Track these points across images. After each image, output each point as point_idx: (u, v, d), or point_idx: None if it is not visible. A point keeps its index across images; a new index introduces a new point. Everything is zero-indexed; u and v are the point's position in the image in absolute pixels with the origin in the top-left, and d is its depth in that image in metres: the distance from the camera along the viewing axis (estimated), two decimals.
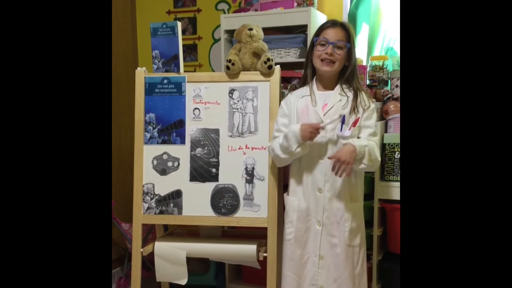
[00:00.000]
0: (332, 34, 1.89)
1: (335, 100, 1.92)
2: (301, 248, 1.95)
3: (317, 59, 1.92)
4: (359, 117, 1.89)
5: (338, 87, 1.95)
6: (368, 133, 1.91)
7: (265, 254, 2.13)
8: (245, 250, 2.16)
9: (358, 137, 1.90)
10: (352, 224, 1.91)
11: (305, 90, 2.00)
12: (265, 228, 2.12)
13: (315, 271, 1.92)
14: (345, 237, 1.90)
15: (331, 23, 1.93)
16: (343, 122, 1.87)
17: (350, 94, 1.93)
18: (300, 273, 1.95)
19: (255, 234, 2.30)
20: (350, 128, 1.87)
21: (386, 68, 2.60)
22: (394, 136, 2.35)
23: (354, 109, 1.90)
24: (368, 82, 2.61)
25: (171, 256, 2.20)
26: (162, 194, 2.23)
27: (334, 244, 1.90)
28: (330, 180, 1.89)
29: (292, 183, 1.99)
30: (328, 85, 1.97)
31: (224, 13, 3.12)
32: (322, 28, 1.94)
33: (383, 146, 2.37)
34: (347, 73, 1.94)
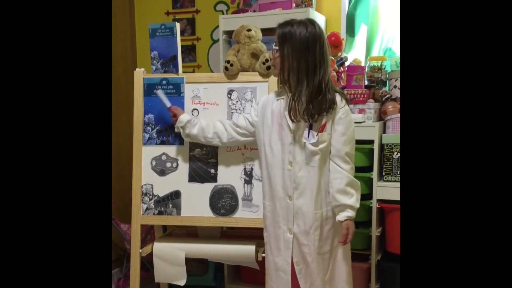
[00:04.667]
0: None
1: None
2: (274, 254, 1.91)
3: None
4: (325, 122, 1.79)
5: None
6: (341, 141, 1.81)
7: (263, 255, 2.13)
8: (244, 251, 2.16)
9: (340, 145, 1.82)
10: (322, 232, 1.85)
11: (280, 92, 1.95)
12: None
13: (287, 279, 1.87)
14: (315, 245, 1.83)
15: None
16: (310, 127, 1.80)
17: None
18: (277, 280, 1.91)
19: (254, 235, 2.31)
20: (317, 134, 1.79)
21: (384, 68, 2.61)
22: (392, 136, 2.36)
23: (311, 117, 1.78)
24: (366, 82, 2.61)
25: (170, 256, 2.20)
26: (161, 195, 2.23)
27: (305, 252, 1.84)
28: (299, 188, 1.83)
29: (265, 188, 1.94)
30: None
31: (223, 14, 3.12)
32: None
33: (381, 147, 2.38)
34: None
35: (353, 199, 1.81)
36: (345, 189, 1.80)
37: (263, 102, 1.98)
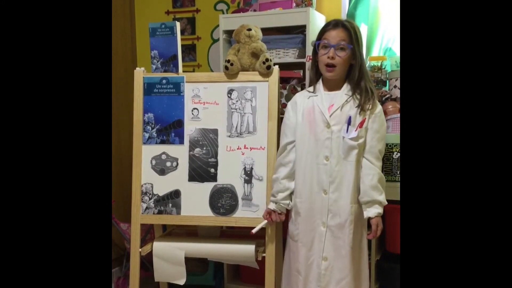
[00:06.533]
0: (333, 36, 1.87)
1: (342, 100, 1.90)
2: (307, 249, 1.94)
3: (321, 64, 1.91)
4: (365, 118, 1.87)
5: (345, 87, 1.93)
6: (376, 138, 1.89)
7: (263, 254, 2.13)
8: (244, 250, 2.16)
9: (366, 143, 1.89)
10: (356, 226, 1.91)
11: (311, 90, 1.99)
12: (264, 228, 2.12)
13: (319, 272, 1.91)
14: (349, 239, 1.89)
15: (333, 25, 1.90)
16: (349, 123, 1.87)
17: (357, 94, 1.90)
18: (307, 274, 1.94)
19: (254, 234, 2.30)
20: (356, 129, 1.86)
21: (384, 68, 2.61)
22: (392, 136, 2.35)
23: (361, 108, 1.87)
24: None
25: (170, 256, 2.20)
26: (160, 194, 2.23)
27: (339, 246, 1.90)
28: (335, 181, 1.89)
29: (297, 184, 1.98)
30: (334, 86, 1.95)
31: (223, 13, 3.12)
32: (323, 31, 1.91)
33: None
34: (353, 73, 1.91)
35: (383, 196, 1.89)
36: (377, 185, 1.87)
37: (293, 103, 2.02)
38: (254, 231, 2.04)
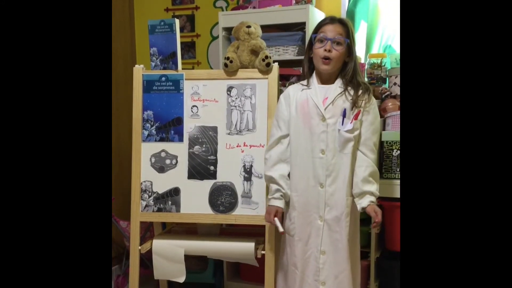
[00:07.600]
0: (330, 30, 1.89)
1: (336, 93, 1.91)
2: (303, 243, 1.94)
3: (317, 57, 1.91)
4: (360, 110, 1.88)
5: (338, 81, 1.94)
6: (370, 130, 1.91)
7: (263, 252, 2.13)
8: (243, 248, 2.16)
9: (360, 136, 1.90)
10: (351, 219, 1.91)
11: (305, 83, 1.99)
12: (263, 226, 2.12)
13: (317, 266, 1.92)
14: (346, 232, 1.89)
15: (330, 20, 1.92)
16: (344, 116, 1.87)
17: (351, 88, 1.91)
18: (304, 268, 1.94)
19: (253, 232, 2.31)
20: (351, 122, 1.87)
21: (384, 66, 2.60)
22: (392, 133, 2.35)
23: (355, 102, 1.88)
24: (366, 80, 2.60)
25: (169, 254, 2.20)
26: (160, 192, 2.22)
27: (336, 239, 1.90)
28: (332, 175, 1.89)
29: (293, 178, 1.98)
30: (327, 80, 1.96)
31: (222, 10, 3.11)
32: (320, 25, 1.93)
33: (381, 144, 2.37)
34: (347, 70, 1.92)
35: (375, 187, 1.89)
36: (368, 178, 1.88)
37: (286, 96, 2.01)
38: (281, 230, 1.93)
